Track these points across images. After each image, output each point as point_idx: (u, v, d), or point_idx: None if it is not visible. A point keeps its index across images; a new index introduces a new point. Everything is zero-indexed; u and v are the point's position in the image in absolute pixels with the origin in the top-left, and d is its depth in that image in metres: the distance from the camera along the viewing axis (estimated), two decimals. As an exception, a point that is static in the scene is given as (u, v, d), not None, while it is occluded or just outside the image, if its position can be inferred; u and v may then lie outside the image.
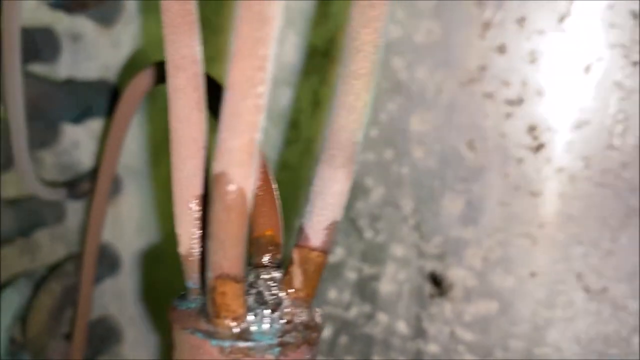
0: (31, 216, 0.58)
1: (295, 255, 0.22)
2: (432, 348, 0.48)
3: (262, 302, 0.21)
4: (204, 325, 0.20)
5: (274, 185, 0.24)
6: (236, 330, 0.20)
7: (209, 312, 0.20)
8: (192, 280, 0.22)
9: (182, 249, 0.22)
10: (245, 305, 0.20)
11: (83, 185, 0.55)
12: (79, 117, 0.54)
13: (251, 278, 0.22)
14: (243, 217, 0.18)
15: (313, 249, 0.21)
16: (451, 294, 0.46)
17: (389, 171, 0.46)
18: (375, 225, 0.48)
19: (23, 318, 0.57)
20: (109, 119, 0.56)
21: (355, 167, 0.21)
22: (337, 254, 0.49)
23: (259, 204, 0.24)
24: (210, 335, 0.20)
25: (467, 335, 0.47)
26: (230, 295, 0.19)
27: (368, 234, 0.48)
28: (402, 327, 0.48)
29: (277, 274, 0.22)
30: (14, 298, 0.56)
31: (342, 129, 0.20)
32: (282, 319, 0.21)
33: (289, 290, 0.22)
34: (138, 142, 0.55)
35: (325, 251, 0.22)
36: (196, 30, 0.21)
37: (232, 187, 0.17)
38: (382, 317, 0.49)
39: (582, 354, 0.44)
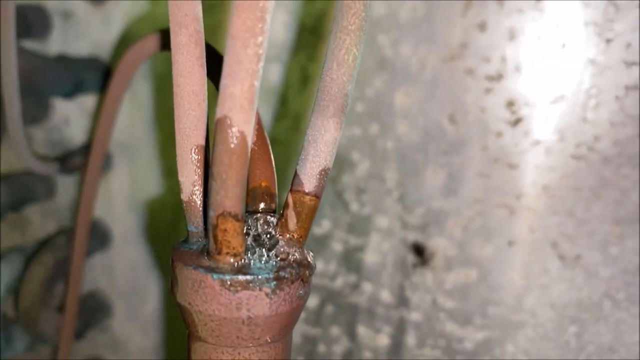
0: (22, 191, 0.59)
1: (290, 199, 0.23)
2: (415, 316, 0.50)
3: (259, 243, 0.23)
4: (205, 261, 0.22)
5: (268, 141, 0.26)
6: (235, 265, 0.22)
7: (210, 249, 0.22)
8: (194, 224, 0.24)
9: (185, 195, 0.24)
10: (244, 244, 0.22)
11: (74, 159, 0.56)
12: (71, 92, 0.54)
13: (250, 222, 0.23)
14: (243, 158, 0.19)
15: (306, 194, 0.23)
16: (433, 263, 0.48)
17: (374, 145, 0.48)
18: (361, 198, 0.50)
19: (15, 292, 0.58)
20: (100, 94, 0.57)
21: (345, 117, 0.23)
22: (324, 226, 0.51)
23: (254, 157, 0.25)
24: (212, 270, 0.22)
25: (448, 303, 0.49)
26: (231, 232, 0.21)
27: (354, 207, 0.50)
28: (386, 296, 0.50)
29: (272, 218, 0.24)
30: (6, 272, 0.57)
31: (333, 81, 0.22)
32: (277, 256, 0.23)
33: (284, 232, 0.23)
34: (129, 119, 0.56)
35: (317, 196, 0.23)
36: (197, -10, 0.22)
37: (233, 130, 0.19)
38: (367, 287, 0.51)
39: (557, 318, 0.46)
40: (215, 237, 0.21)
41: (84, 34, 0.56)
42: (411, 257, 0.49)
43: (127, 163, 0.58)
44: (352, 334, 0.52)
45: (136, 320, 0.62)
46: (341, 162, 0.49)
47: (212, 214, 0.21)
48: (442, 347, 0.50)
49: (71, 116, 0.59)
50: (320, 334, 0.53)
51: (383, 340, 0.51)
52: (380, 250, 0.50)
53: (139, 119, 0.56)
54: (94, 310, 0.62)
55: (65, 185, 0.61)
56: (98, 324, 0.62)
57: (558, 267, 0.46)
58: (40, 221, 0.63)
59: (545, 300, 0.46)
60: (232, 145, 0.19)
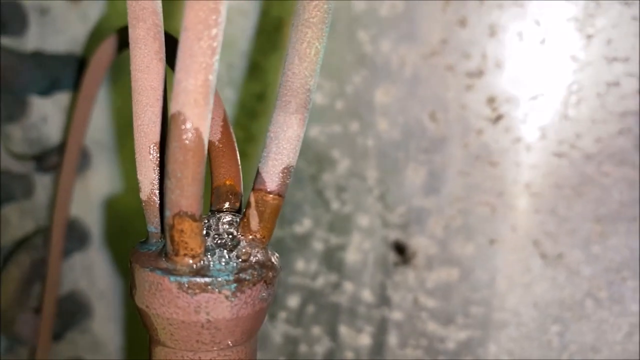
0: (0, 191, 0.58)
1: (252, 198, 0.23)
2: (396, 315, 0.49)
3: (220, 243, 0.22)
4: (163, 263, 0.21)
5: (234, 138, 0.25)
6: (194, 267, 0.21)
7: (168, 250, 0.21)
8: (153, 224, 0.23)
9: (143, 194, 0.23)
10: (204, 245, 0.21)
11: (51, 158, 0.55)
12: (48, 90, 0.53)
13: (210, 221, 0.23)
14: (199, 156, 0.19)
15: (269, 192, 0.22)
16: (414, 262, 0.48)
17: (355, 143, 0.48)
18: (342, 196, 0.49)
19: (-9, 293, 0.57)
20: (77, 91, 0.56)
21: (308, 114, 0.22)
22: (305, 225, 0.50)
23: (219, 155, 0.25)
24: (169, 272, 0.21)
25: (429, 302, 0.48)
26: (188, 233, 0.20)
27: (335, 205, 0.49)
28: (367, 295, 0.50)
29: (234, 218, 0.23)
30: (-18, 273, 0.56)
31: (295, 76, 0.21)
32: (239, 257, 0.22)
33: (246, 232, 0.23)
34: (107, 117, 0.56)
35: (280, 194, 0.23)
36: (156, -18, 0.22)
37: (188, 127, 0.18)
38: (348, 286, 0.50)
39: (539, 317, 0.46)
40: (172, 237, 0.20)
41: (60, 30, 0.55)
42: (392, 256, 0.48)
43: (105, 161, 0.57)
44: (333, 334, 0.52)
45: (116, 321, 0.61)
46: (321, 160, 0.48)
47: (167, 214, 0.20)
48: (424, 347, 0.49)
49: (49, 114, 0.58)
50: (302, 334, 0.53)
51: (365, 340, 0.51)
52: (361, 249, 0.49)
53: (118, 117, 0.55)
54: (73, 311, 0.61)
55: (44, 184, 0.60)
56: (78, 324, 0.61)
57: (540, 266, 0.45)
58: (18, 221, 0.62)
59: (528, 299, 0.46)
60: (187, 142, 0.18)
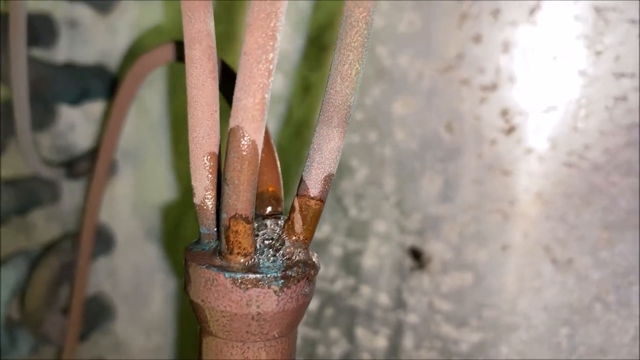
0: (27, 196, 0.60)
1: (296, 203, 0.25)
2: (412, 318, 0.51)
3: (267, 244, 0.24)
4: (217, 261, 0.24)
5: (274, 148, 0.28)
6: (246, 264, 0.23)
7: (222, 249, 0.23)
8: (206, 226, 0.26)
9: (197, 199, 0.25)
10: (254, 245, 0.24)
11: (81, 165, 0.57)
12: (77, 99, 0.56)
13: (258, 224, 0.25)
14: (254, 165, 0.21)
15: (312, 198, 0.25)
16: (429, 267, 0.50)
17: (373, 152, 0.50)
18: (360, 203, 0.51)
19: (20, 294, 0.59)
20: (106, 101, 0.58)
21: (348, 127, 0.24)
22: (324, 230, 0.53)
23: (262, 163, 0.27)
24: (224, 269, 0.23)
25: (444, 306, 0.50)
26: (242, 233, 0.22)
27: (353, 212, 0.51)
28: (383, 298, 0.52)
29: (280, 221, 0.25)
30: (11, 275, 0.58)
31: (337, 94, 0.24)
32: (284, 256, 0.24)
33: (290, 234, 0.25)
34: (134, 126, 0.58)
35: (322, 200, 0.25)
36: (210, 7, 0.24)
37: (245, 139, 0.21)
38: (366, 290, 0.52)
39: (549, 320, 0.48)
40: (227, 238, 0.23)
41: (90, 42, 0.58)
42: (408, 261, 0.50)
43: (131, 169, 0.59)
44: (350, 336, 0.54)
45: (138, 322, 0.64)
46: (341, 168, 0.51)
47: (224, 216, 0.22)
48: (439, 349, 0.51)
49: (76, 122, 0.60)
50: (320, 336, 0.55)
51: (381, 342, 0.53)
52: (378, 254, 0.51)
53: (144, 125, 0.58)
54: (97, 313, 0.63)
55: (70, 190, 0.62)
56: (101, 326, 0.64)
57: (550, 271, 0.47)
58: (44, 225, 0.64)
59: (538, 303, 0.48)
60: (244, 153, 0.21)
